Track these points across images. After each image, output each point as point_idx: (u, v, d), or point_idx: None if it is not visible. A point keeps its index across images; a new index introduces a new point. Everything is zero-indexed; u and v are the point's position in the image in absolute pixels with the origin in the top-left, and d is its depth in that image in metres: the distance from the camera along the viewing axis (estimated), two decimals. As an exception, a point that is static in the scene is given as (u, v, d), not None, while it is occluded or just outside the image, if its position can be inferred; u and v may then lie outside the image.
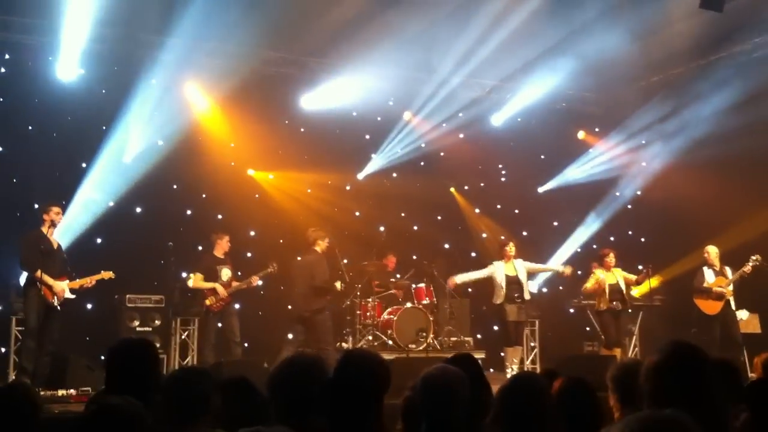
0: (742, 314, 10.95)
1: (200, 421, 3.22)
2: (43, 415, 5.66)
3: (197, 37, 11.01)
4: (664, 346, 2.82)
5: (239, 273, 10.73)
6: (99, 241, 11.25)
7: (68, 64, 10.96)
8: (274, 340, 10.98)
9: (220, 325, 10.21)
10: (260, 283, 10.70)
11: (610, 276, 10.75)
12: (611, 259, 10.85)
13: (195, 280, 10.20)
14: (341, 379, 3.08)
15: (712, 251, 10.80)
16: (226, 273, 10.28)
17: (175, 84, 11.66)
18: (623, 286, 10.77)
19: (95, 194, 11.15)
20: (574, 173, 14.42)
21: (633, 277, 10.89)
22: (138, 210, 11.81)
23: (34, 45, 11.01)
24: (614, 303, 10.61)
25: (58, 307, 8.50)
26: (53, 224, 8.61)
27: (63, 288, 8.57)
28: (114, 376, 3.55)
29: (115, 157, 11.39)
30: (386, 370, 3.18)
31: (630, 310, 11.73)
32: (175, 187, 12.01)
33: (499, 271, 10.63)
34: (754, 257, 10.38)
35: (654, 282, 11.65)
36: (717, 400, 2.72)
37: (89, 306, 10.84)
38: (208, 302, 10.05)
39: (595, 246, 12.97)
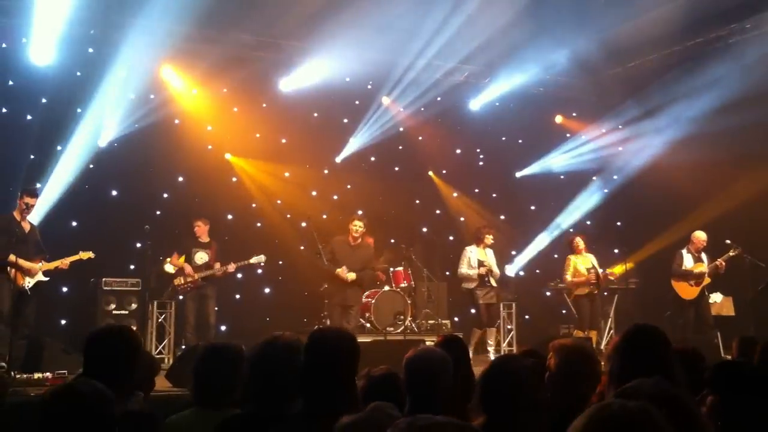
0: (716, 297, 11.03)
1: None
2: (17, 399, 5.66)
3: (173, 20, 10.90)
4: (626, 329, 3.02)
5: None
6: (74, 224, 11.17)
7: (43, 45, 10.78)
8: (253, 323, 11.00)
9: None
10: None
11: (583, 260, 10.81)
12: (579, 242, 10.92)
13: (171, 261, 10.34)
14: (311, 359, 3.05)
15: (701, 236, 10.70)
16: (200, 257, 10.28)
17: (151, 67, 11.56)
18: (598, 269, 10.82)
19: (70, 177, 11.04)
20: (553, 158, 14.45)
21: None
22: (114, 193, 11.73)
23: (8, 26, 10.83)
24: (590, 286, 10.69)
25: (28, 291, 8.43)
26: (28, 208, 8.54)
27: (37, 269, 8.51)
28: (91, 363, 3.50)
29: (91, 139, 11.29)
30: (352, 342, 3.16)
31: (606, 293, 11.83)
32: (151, 170, 11.91)
33: (472, 255, 10.77)
34: (733, 246, 10.37)
35: (629, 264, 11.73)
36: (678, 379, 2.78)
37: (65, 289, 10.77)
38: (176, 282, 10.05)
39: (571, 230, 13.05)
